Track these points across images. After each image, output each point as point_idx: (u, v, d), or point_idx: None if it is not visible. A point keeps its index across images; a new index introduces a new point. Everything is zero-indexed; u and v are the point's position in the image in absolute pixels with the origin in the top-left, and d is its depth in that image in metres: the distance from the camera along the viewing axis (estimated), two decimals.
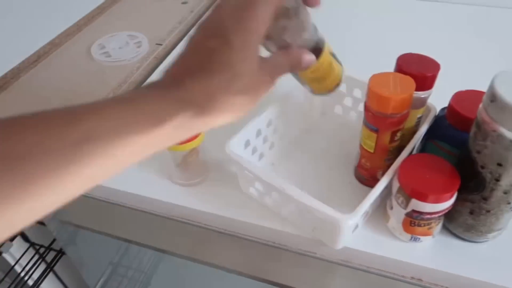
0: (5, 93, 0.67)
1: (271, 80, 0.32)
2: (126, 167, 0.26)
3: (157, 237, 0.50)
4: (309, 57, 0.34)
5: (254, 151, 0.47)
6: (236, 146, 0.43)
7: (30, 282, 0.79)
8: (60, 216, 0.51)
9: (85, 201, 0.51)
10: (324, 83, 0.40)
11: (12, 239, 0.73)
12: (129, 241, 0.49)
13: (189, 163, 0.46)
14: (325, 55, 0.37)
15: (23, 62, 0.73)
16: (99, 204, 0.50)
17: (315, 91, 0.42)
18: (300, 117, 0.53)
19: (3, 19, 0.84)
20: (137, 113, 0.26)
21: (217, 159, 0.50)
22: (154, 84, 0.29)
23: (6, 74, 0.70)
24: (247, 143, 0.45)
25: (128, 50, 0.74)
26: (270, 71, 0.32)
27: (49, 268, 0.74)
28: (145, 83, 0.32)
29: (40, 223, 0.68)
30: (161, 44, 0.76)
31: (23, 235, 0.75)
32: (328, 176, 0.48)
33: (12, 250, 0.75)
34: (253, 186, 0.44)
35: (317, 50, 0.36)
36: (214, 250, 0.51)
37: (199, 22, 0.34)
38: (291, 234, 0.43)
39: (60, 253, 0.71)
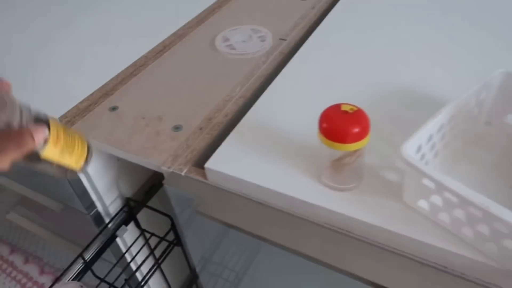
0: (136, 79, 0.68)
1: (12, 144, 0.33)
2: None
3: (292, 238, 0.46)
4: (40, 128, 0.35)
5: (421, 158, 0.41)
6: (409, 151, 0.38)
7: (134, 266, 0.80)
8: (195, 206, 0.49)
9: (221, 193, 0.48)
10: (77, 153, 0.39)
11: (126, 223, 0.73)
12: (263, 239, 0.46)
13: (347, 164, 0.41)
14: (54, 123, 0.37)
15: (150, 51, 0.73)
16: (234, 197, 0.48)
17: (74, 166, 0.40)
18: (465, 125, 0.47)
19: (131, 12, 0.87)
20: None
21: (370, 164, 0.45)
22: None
23: (136, 61, 0.71)
24: (419, 149, 0.40)
25: (252, 43, 0.72)
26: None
27: (159, 259, 0.73)
28: None
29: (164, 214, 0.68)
30: (285, 39, 0.73)
31: (135, 220, 0.76)
32: (508, 196, 0.41)
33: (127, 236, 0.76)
34: (427, 199, 0.38)
35: (42, 122, 0.37)
36: (358, 263, 0.45)
37: None
38: (472, 260, 0.36)
39: (172, 244, 0.71)
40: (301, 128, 0.52)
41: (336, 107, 0.39)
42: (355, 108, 0.39)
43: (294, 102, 0.57)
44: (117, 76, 0.68)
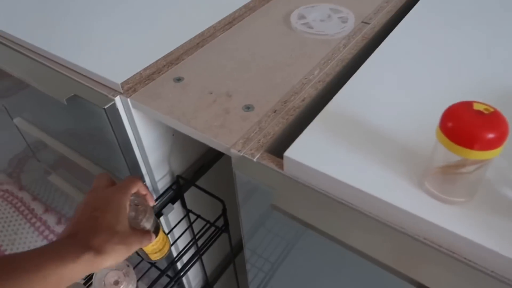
0: (202, 50, 0.63)
1: (137, 242, 0.46)
2: None
3: (374, 245, 0.40)
4: (153, 237, 0.50)
5: None
6: None
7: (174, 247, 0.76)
8: (270, 199, 0.44)
9: (297, 186, 0.42)
10: (160, 252, 0.56)
11: (173, 202, 0.69)
12: (347, 246, 0.40)
13: (465, 174, 0.35)
14: (160, 234, 0.54)
15: (218, 22, 0.68)
16: (312, 193, 0.42)
17: (154, 259, 0.56)
18: None
19: None
20: (60, 254, 0.39)
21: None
22: (61, 239, 0.42)
23: (203, 32, 0.65)
24: None
25: (332, 24, 0.65)
26: (137, 235, 0.46)
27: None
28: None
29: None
30: (368, 23, 0.66)
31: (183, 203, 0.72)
32: None
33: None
34: None
35: (156, 230, 0.53)
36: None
37: (83, 201, 0.47)
38: None
39: (220, 230, 0.66)
40: (398, 123, 0.45)
41: (467, 105, 0.32)
42: (491, 109, 0.32)
43: (389, 93, 0.49)
44: (183, 45, 0.63)
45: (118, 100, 0.56)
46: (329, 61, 0.59)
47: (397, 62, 0.54)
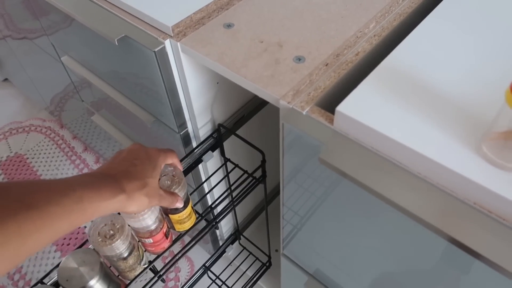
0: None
1: (160, 199, 0.49)
2: (85, 222, 0.40)
3: (428, 212, 0.40)
4: (180, 203, 0.53)
5: None
6: None
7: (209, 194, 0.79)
8: (328, 157, 0.44)
9: (346, 142, 0.42)
10: (183, 225, 0.59)
11: (213, 149, 0.71)
12: (390, 203, 0.40)
13: None
14: (188, 208, 0.58)
15: None
16: (361, 150, 0.42)
17: (177, 229, 0.60)
18: None
19: None
20: (100, 190, 0.41)
21: None
22: (99, 176, 0.44)
23: None
24: None
25: None
26: (161, 194, 0.49)
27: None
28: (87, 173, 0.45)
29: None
30: None
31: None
32: None
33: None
34: None
35: (185, 203, 0.56)
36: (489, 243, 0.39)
37: (127, 148, 0.50)
38: None
39: (258, 181, 0.68)
40: (459, 85, 0.43)
41: None
42: None
43: (451, 52, 0.47)
44: None
45: (168, 43, 0.56)
46: (386, 14, 0.56)
47: (462, 19, 0.51)
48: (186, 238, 0.97)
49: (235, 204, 0.69)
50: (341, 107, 0.42)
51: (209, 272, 0.95)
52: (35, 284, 0.51)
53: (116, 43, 0.57)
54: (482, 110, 0.41)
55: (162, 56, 0.57)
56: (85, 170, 1.48)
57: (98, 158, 1.52)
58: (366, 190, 0.40)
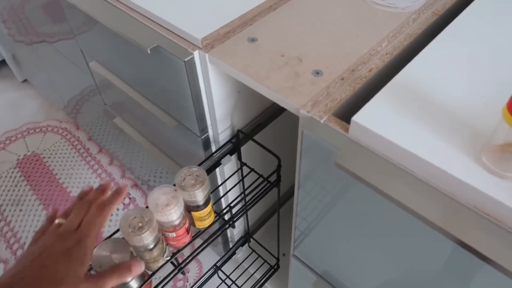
0: (275, 13, 0.66)
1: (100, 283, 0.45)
2: None
3: (433, 214, 0.44)
4: (138, 268, 0.50)
5: None
6: None
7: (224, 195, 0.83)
8: (334, 157, 0.48)
9: (359, 149, 0.47)
10: (203, 222, 0.64)
11: (231, 154, 0.76)
12: (401, 205, 0.45)
13: None
14: (209, 207, 0.63)
15: None
16: (373, 156, 0.46)
17: (197, 226, 0.65)
18: None
19: None
20: None
21: None
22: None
23: None
24: None
25: None
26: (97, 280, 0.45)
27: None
28: None
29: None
30: None
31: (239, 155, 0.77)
32: None
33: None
34: None
35: (207, 202, 0.61)
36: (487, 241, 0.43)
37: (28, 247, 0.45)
38: None
39: (272, 185, 0.72)
40: (463, 100, 0.48)
41: None
42: None
43: (456, 71, 0.52)
44: (258, 7, 0.66)
45: (196, 54, 0.61)
46: (398, 35, 0.61)
47: (468, 41, 0.56)
48: (197, 241, 1.02)
49: (248, 206, 0.74)
50: (357, 117, 0.47)
51: (219, 272, 0.99)
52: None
53: (149, 52, 0.62)
54: (483, 124, 0.45)
55: (190, 65, 0.62)
56: (99, 171, 1.53)
57: (112, 160, 1.57)
58: (377, 192, 0.45)
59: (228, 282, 1.00)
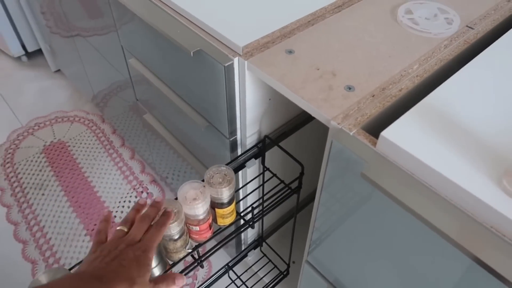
0: (312, 28, 0.70)
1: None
2: None
3: (453, 231, 0.46)
4: (182, 279, 0.56)
5: None
6: None
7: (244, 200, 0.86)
8: (360, 168, 0.51)
9: (386, 163, 0.50)
10: (225, 220, 0.68)
11: (256, 157, 0.79)
12: (421, 218, 0.47)
13: None
14: (232, 205, 0.66)
15: (330, 4, 0.74)
16: (399, 172, 0.49)
17: (219, 223, 0.68)
18: None
19: None
20: None
21: None
22: (88, 277, 0.46)
23: (315, 11, 0.72)
24: None
25: (437, 24, 0.69)
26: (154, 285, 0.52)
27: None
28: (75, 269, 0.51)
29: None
30: (472, 28, 0.69)
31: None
32: None
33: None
34: None
35: (230, 201, 0.65)
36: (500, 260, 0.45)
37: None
38: None
39: (293, 191, 0.75)
40: (488, 125, 0.50)
41: None
42: None
43: (485, 96, 0.54)
44: (297, 21, 0.70)
45: (236, 60, 0.65)
46: (429, 59, 0.64)
47: (496, 71, 0.58)
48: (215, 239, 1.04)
49: (266, 209, 0.77)
50: (385, 133, 0.50)
51: (230, 272, 1.01)
52: None
53: (192, 55, 0.66)
54: (506, 149, 0.47)
55: (229, 71, 0.66)
56: (121, 164, 1.58)
57: (133, 154, 1.62)
58: (398, 204, 0.47)
59: (238, 283, 1.03)
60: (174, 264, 0.63)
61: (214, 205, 0.66)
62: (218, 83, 0.69)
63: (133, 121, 1.37)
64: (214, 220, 0.69)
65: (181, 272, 0.65)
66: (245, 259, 1.10)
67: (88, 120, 1.78)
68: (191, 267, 0.65)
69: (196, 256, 0.67)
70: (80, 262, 0.56)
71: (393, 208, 0.50)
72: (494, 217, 0.43)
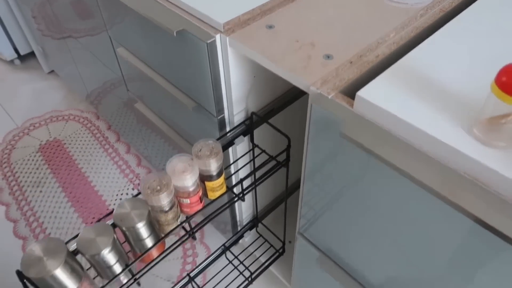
0: (293, 4, 0.72)
1: None
2: None
3: (424, 173, 0.48)
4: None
5: None
6: None
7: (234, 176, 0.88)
8: (339, 128, 0.53)
9: (363, 122, 0.52)
10: (215, 193, 0.70)
11: (244, 135, 0.81)
12: (402, 172, 0.49)
13: (507, 123, 0.42)
14: (221, 178, 0.69)
15: None
16: (375, 128, 0.51)
17: (209, 196, 0.71)
18: None
19: None
20: None
21: None
22: None
23: None
24: None
25: None
26: None
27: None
28: None
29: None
30: None
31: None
32: None
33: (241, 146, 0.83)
34: None
35: (219, 174, 0.68)
36: (479, 206, 0.47)
37: None
38: None
39: (281, 164, 0.77)
40: (460, 81, 0.52)
41: None
42: None
43: (458, 57, 0.56)
44: None
45: (218, 37, 0.67)
46: (405, 27, 0.66)
47: (469, 33, 0.60)
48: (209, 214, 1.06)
49: (257, 182, 0.78)
50: (361, 92, 0.52)
51: (227, 253, 1.03)
52: (98, 221, 0.61)
53: (175, 35, 0.68)
54: (476, 101, 0.50)
55: (212, 48, 0.67)
56: (117, 159, 1.60)
57: (129, 148, 1.64)
58: (377, 159, 0.49)
59: (235, 263, 1.05)
60: (166, 235, 0.65)
61: (204, 178, 0.68)
62: (202, 62, 0.71)
63: (127, 116, 1.39)
64: (205, 194, 0.71)
65: (174, 243, 0.67)
66: (241, 241, 1.12)
67: (83, 118, 1.79)
68: (183, 238, 0.67)
69: (188, 228, 0.69)
70: (76, 236, 0.58)
71: (373, 165, 0.52)
72: (467, 163, 0.45)
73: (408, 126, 0.48)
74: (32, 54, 2.01)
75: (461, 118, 0.48)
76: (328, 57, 0.61)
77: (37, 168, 1.59)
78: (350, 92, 0.56)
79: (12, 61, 2.04)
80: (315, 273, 0.85)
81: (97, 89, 1.49)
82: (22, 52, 1.98)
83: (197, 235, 1.33)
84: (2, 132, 1.74)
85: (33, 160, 1.62)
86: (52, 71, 2.00)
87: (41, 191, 1.50)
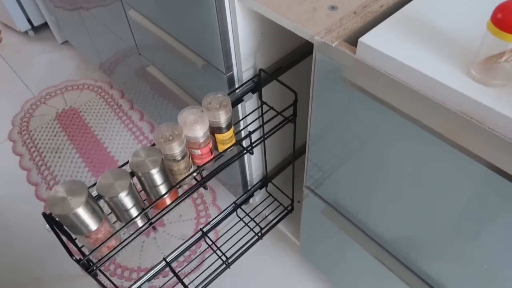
0: None
1: None
2: None
3: (424, 117, 0.50)
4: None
5: None
6: None
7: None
8: (341, 73, 0.55)
9: (366, 68, 0.53)
10: (224, 146, 0.73)
11: (253, 92, 0.83)
12: (403, 115, 0.51)
13: (505, 62, 0.43)
14: (231, 131, 0.72)
15: None
16: (378, 74, 0.53)
17: (219, 149, 0.74)
18: None
19: None
20: None
21: None
22: None
23: None
24: None
25: None
26: None
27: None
28: None
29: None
30: None
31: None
32: None
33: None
34: None
35: (229, 126, 0.70)
36: (481, 146, 0.49)
37: None
38: None
39: (288, 120, 0.80)
40: (457, 25, 0.53)
41: None
42: None
43: (457, 5, 0.57)
44: None
45: None
46: None
47: None
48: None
49: (265, 136, 0.81)
50: (363, 39, 0.53)
51: (238, 211, 1.08)
52: (120, 167, 0.65)
53: None
54: (473, 44, 0.51)
55: (219, 2, 0.69)
56: (130, 126, 1.65)
57: (142, 116, 1.68)
58: (379, 102, 0.51)
59: (247, 219, 1.09)
60: (179, 182, 0.69)
61: (214, 130, 0.71)
62: (210, 17, 0.72)
63: (140, 84, 1.42)
64: (215, 147, 0.74)
65: (186, 192, 0.71)
66: (251, 200, 1.16)
67: (97, 87, 1.83)
68: (195, 188, 0.71)
69: (199, 178, 0.73)
70: (95, 184, 0.62)
71: (375, 111, 0.54)
72: (465, 102, 0.47)
73: (408, 69, 0.50)
74: (45, 25, 2.04)
75: (460, 60, 0.49)
76: (333, 8, 0.62)
77: (55, 135, 1.64)
78: (354, 41, 0.58)
79: (26, 32, 2.08)
80: (321, 227, 0.89)
81: (110, 59, 1.52)
82: (35, 23, 2.02)
83: (210, 196, 1.38)
84: (20, 101, 1.79)
85: (50, 127, 1.67)
86: (66, 41, 2.03)
87: (59, 157, 1.57)
